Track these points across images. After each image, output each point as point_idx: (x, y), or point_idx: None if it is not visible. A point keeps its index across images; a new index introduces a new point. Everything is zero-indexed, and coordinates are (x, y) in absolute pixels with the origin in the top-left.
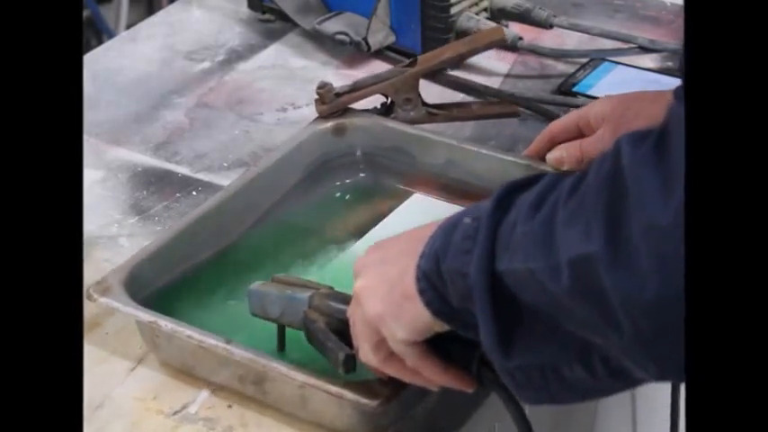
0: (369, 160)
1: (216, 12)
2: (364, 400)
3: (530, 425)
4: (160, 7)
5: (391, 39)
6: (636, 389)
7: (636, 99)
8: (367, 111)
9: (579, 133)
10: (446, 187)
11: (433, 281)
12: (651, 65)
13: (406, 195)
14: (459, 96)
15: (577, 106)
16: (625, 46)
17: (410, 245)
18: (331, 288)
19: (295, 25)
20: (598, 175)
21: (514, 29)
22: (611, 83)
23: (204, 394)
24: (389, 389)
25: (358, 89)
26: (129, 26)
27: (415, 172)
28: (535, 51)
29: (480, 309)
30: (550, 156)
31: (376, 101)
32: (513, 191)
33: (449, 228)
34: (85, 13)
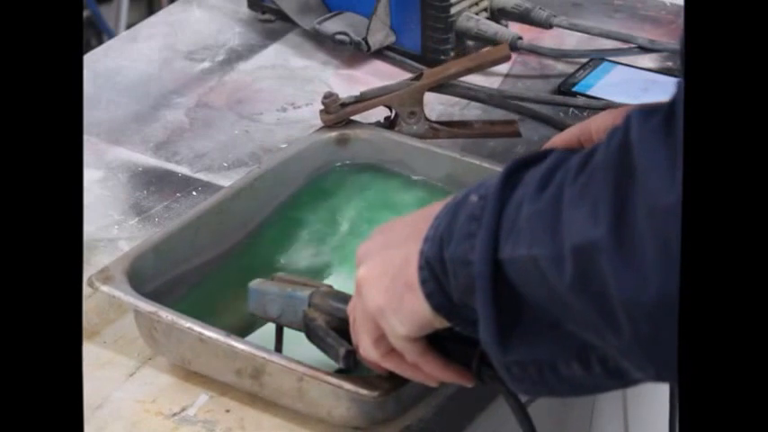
0: (371, 171)
1: (216, 12)
2: (363, 392)
3: (531, 420)
4: (160, 7)
5: (391, 39)
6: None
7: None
8: (370, 123)
9: (581, 147)
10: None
11: (436, 270)
12: (651, 65)
13: (407, 207)
14: (462, 114)
15: (577, 106)
16: (625, 46)
17: (415, 226)
18: (331, 287)
19: (295, 25)
20: (608, 151)
21: (514, 29)
22: (610, 83)
23: (203, 398)
24: (389, 382)
25: (363, 100)
26: (129, 26)
27: (417, 182)
28: (535, 51)
29: (481, 301)
30: None
31: (380, 114)
32: (521, 167)
33: (455, 207)
34: (85, 13)
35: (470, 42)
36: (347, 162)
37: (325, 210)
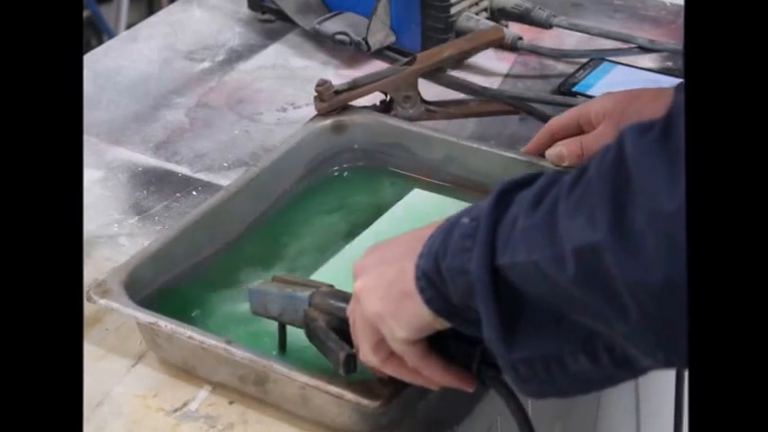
0: (368, 157)
1: (216, 12)
2: (365, 401)
3: (530, 422)
4: (160, 7)
5: (391, 39)
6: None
7: (637, 96)
8: (366, 108)
9: (579, 130)
10: (446, 182)
11: (433, 280)
12: (651, 65)
13: (407, 190)
14: (458, 96)
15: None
16: (625, 46)
17: (408, 246)
18: (331, 286)
19: (295, 25)
20: (601, 166)
21: (514, 29)
22: (610, 83)
23: (205, 391)
24: (390, 389)
25: (357, 87)
26: (129, 26)
27: (415, 168)
28: (535, 51)
29: (482, 302)
30: (550, 152)
31: (375, 99)
32: (512, 189)
33: (447, 228)
34: (85, 13)
35: (468, 35)
36: (345, 158)
37: (321, 210)
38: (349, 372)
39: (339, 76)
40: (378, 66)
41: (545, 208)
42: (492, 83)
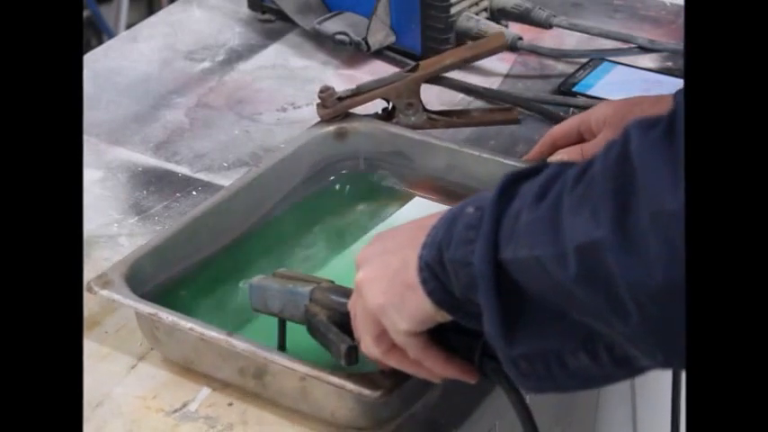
0: (370, 164)
1: (216, 12)
2: (366, 392)
3: (532, 416)
4: (160, 7)
5: (391, 39)
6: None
7: (637, 103)
8: (368, 116)
9: (580, 137)
10: (447, 191)
11: (436, 271)
12: (651, 65)
13: (407, 198)
14: (458, 97)
15: (577, 106)
16: (625, 46)
17: (412, 235)
18: (332, 282)
19: (295, 25)
20: (605, 162)
21: (514, 29)
22: (610, 83)
23: (205, 392)
24: (391, 380)
25: (360, 93)
26: (129, 26)
27: (416, 175)
28: (535, 51)
29: (484, 297)
30: (551, 160)
31: (377, 106)
32: (516, 180)
33: (451, 218)
34: (85, 13)
35: (470, 42)
36: (346, 163)
37: (324, 209)
38: (351, 363)
39: (339, 76)
40: (378, 66)
41: (549, 202)
42: (492, 83)
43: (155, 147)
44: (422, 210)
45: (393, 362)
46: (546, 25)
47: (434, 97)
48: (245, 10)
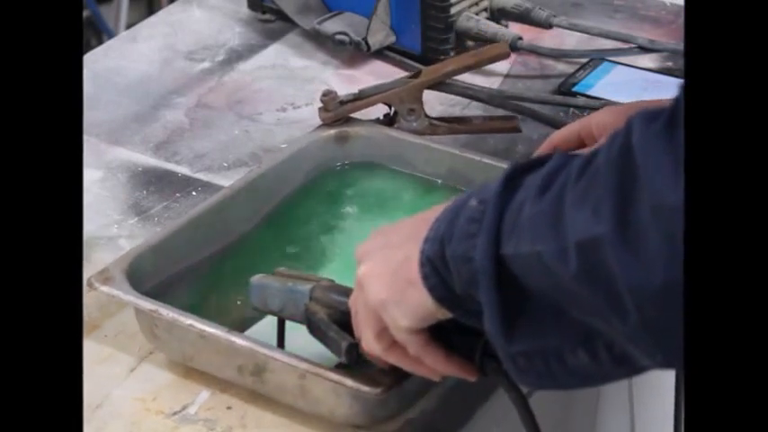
0: (371, 168)
1: (216, 12)
2: (365, 389)
3: (533, 414)
4: (160, 7)
5: (391, 39)
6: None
7: (638, 108)
8: (370, 120)
9: (581, 143)
10: (448, 195)
11: (437, 266)
12: (651, 65)
13: (408, 203)
14: (458, 97)
15: (577, 106)
16: (625, 46)
17: (414, 229)
18: (332, 280)
19: (295, 25)
20: (609, 154)
21: (514, 29)
22: (610, 83)
23: (204, 395)
24: (390, 378)
25: (362, 98)
26: (129, 26)
27: (417, 180)
28: (535, 51)
29: (485, 293)
30: None
31: (379, 111)
32: (520, 172)
33: (454, 210)
34: (85, 13)
35: (470, 42)
36: (347, 162)
37: (325, 208)
38: (351, 361)
39: (339, 76)
40: (378, 66)
41: (552, 194)
42: (492, 83)
43: (155, 147)
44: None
45: (393, 359)
46: (546, 25)
47: (433, 96)
48: (245, 10)
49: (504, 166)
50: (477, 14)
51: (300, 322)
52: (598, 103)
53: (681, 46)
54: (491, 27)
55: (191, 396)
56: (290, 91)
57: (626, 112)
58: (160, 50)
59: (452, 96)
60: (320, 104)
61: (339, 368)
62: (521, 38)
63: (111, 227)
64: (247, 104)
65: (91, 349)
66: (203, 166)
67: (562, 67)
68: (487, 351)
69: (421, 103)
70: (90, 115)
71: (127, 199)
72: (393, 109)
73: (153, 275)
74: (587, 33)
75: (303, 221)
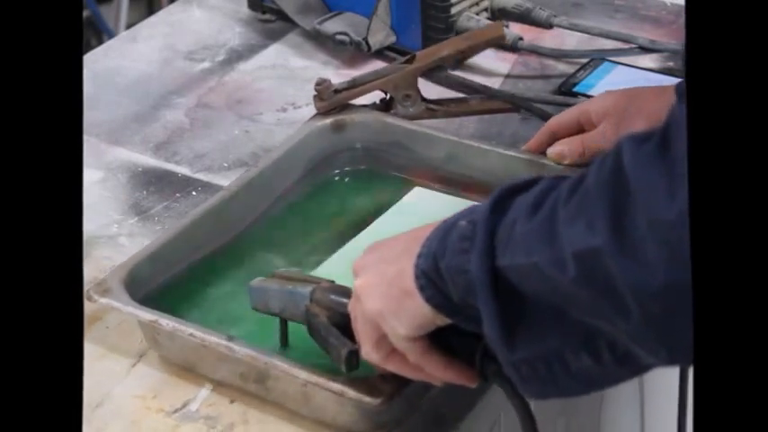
0: (369, 155)
1: (216, 12)
2: (366, 399)
3: (533, 418)
4: (160, 7)
5: (392, 39)
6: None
7: (638, 94)
8: (366, 106)
9: (580, 128)
10: (447, 180)
11: (433, 278)
12: (651, 65)
13: (407, 188)
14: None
15: None
16: (625, 46)
17: (407, 246)
18: (332, 282)
19: (295, 25)
20: (599, 175)
21: (515, 29)
22: (611, 83)
23: (205, 391)
24: (391, 386)
25: (357, 86)
26: (129, 26)
27: (416, 166)
28: (535, 51)
29: (483, 302)
30: (551, 150)
31: (374, 97)
32: (510, 193)
33: (445, 229)
34: (85, 13)
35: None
36: (345, 156)
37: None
38: (351, 368)
39: (339, 76)
40: (378, 66)
41: (544, 213)
42: (493, 83)
43: (155, 147)
44: (423, 199)
45: (393, 367)
46: (546, 25)
47: (436, 96)
48: (245, 10)
49: (502, 151)
50: (477, 14)
51: (302, 323)
52: (598, 94)
53: (681, 46)
54: None
55: (192, 393)
56: (291, 91)
57: (625, 98)
58: (160, 50)
59: (453, 94)
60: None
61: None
62: (521, 38)
63: (111, 227)
64: (247, 104)
65: (91, 347)
66: (203, 166)
67: (563, 68)
68: (488, 353)
69: (416, 88)
70: (90, 115)
71: (127, 199)
72: (389, 95)
73: (152, 280)
74: (588, 33)
75: (303, 222)
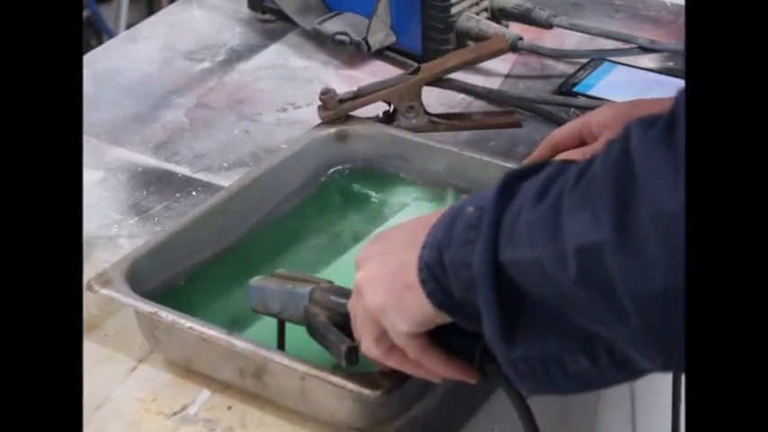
0: (370, 167)
1: (216, 12)
2: (366, 392)
3: (533, 417)
4: (160, 7)
5: (392, 39)
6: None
7: (638, 105)
8: (369, 118)
9: (582, 141)
10: (447, 194)
11: (435, 272)
12: (652, 65)
13: (408, 201)
14: (458, 97)
15: (578, 106)
16: (625, 46)
17: (412, 235)
18: (331, 282)
19: (295, 25)
20: (606, 161)
21: (515, 29)
22: (611, 83)
23: (204, 395)
24: (391, 380)
25: (361, 95)
26: (129, 26)
27: (417, 178)
28: (535, 51)
29: (484, 299)
30: None
31: (378, 109)
32: (517, 179)
33: (451, 217)
34: (85, 13)
35: (471, 42)
36: (347, 165)
37: (324, 211)
38: (351, 363)
39: (339, 76)
40: (378, 66)
41: (550, 201)
42: (493, 83)
43: (155, 147)
44: (422, 212)
45: (393, 363)
46: (546, 25)
47: (434, 98)
48: (245, 10)
49: (503, 164)
50: (477, 14)
51: (300, 324)
52: (599, 104)
53: (681, 46)
54: (492, 27)
55: (191, 396)
56: (291, 91)
57: (626, 110)
58: (160, 50)
59: (453, 95)
60: (320, 104)
61: (340, 368)
62: (521, 38)
63: (111, 227)
64: (247, 104)
65: (91, 349)
66: (203, 166)
67: (563, 68)
68: (487, 352)
69: (420, 99)
70: (90, 115)
71: (127, 199)
72: (392, 106)
73: (153, 277)
74: (588, 33)
75: (303, 222)
